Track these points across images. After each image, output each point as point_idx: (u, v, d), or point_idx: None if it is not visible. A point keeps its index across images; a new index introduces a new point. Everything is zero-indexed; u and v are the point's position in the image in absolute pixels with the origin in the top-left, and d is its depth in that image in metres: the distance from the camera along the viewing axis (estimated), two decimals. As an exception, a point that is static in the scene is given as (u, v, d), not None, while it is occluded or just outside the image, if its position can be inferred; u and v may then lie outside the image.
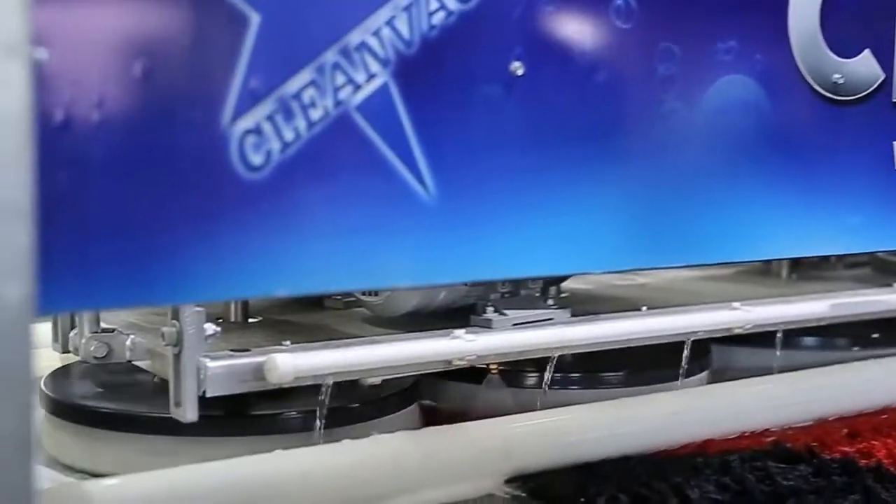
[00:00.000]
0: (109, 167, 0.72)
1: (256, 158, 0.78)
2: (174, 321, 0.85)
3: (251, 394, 0.89)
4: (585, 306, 1.13)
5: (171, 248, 0.75)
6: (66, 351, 1.09)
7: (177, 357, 0.85)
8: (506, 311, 1.03)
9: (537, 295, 1.09)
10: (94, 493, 0.79)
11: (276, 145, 0.79)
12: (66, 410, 0.97)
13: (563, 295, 1.13)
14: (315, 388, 0.90)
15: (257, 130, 0.78)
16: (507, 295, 1.07)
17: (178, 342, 0.85)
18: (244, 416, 0.95)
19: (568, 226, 0.93)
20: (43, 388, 1.02)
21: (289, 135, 0.79)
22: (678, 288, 1.32)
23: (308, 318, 1.07)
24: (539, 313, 1.06)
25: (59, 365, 1.11)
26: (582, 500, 0.89)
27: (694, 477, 0.94)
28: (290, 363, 0.86)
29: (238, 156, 0.77)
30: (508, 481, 0.93)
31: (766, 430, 1.11)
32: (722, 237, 1.04)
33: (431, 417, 1.07)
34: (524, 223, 0.91)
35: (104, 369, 1.04)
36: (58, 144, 0.70)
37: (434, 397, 1.10)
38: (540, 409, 1.02)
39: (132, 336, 0.97)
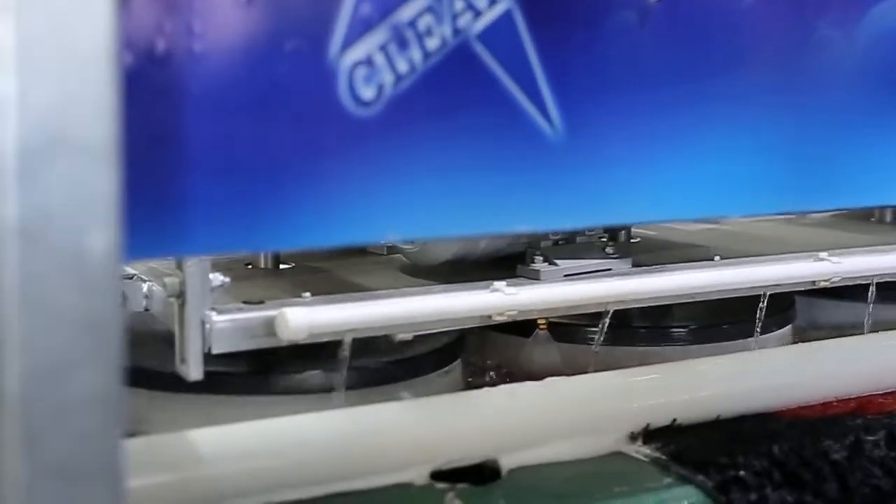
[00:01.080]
0: (205, 103, 0.67)
1: (367, 92, 0.72)
2: (177, 270, 0.78)
3: (289, 348, 0.81)
4: (650, 255, 1.03)
5: (271, 189, 0.69)
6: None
7: (181, 309, 0.78)
8: (557, 261, 0.94)
9: (597, 242, 0.99)
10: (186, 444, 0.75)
11: (388, 78, 0.72)
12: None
13: (632, 241, 1.03)
14: (363, 343, 0.82)
15: (368, 62, 0.72)
16: (561, 243, 0.97)
17: (180, 293, 0.78)
18: (268, 374, 0.88)
19: (707, 166, 0.86)
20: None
21: (403, 66, 0.73)
22: (758, 234, 1.20)
23: (343, 266, 1.00)
24: (595, 263, 0.96)
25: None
26: (732, 472, 0.79)
27: (856, 452, 0.83)
28: (304, 318, 0.78)
29: (347, 89, 0.71)
30: (646, 441, 0.84)
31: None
32: (877, 179, 0.95)
33: (476, 373, 0.99)
34: (658, 163, 0.83)
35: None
36: (148, 78, 0.65)
37: (479, 352, 1.01)
38: (603, 370, 0.92)
39: (149, 283, 0.91)
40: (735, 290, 0.98)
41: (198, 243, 0.70)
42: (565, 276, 0.93)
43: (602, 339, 0.93)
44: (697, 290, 0.95)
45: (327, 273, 0.97)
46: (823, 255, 1.03)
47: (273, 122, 0.69)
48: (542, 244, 0.95)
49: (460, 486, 0.76)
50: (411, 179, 0.73)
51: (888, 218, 1.37)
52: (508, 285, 0.87)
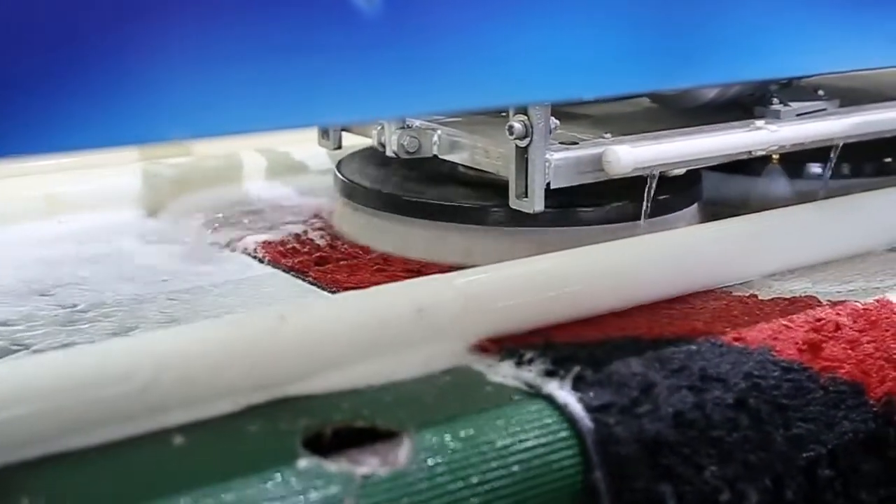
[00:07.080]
0: None
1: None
2: (521, 115, 0.86)
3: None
4: (844, 97, 1.13)
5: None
6: (337, 147, 1.11)
7: (522, 150, 0.87)
8: (789, 103, 1.04)
9: (808, 86, 1.09)
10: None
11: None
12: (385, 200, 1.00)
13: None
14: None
15: None
16: (779, 86, 1.07)
17: (526, 135, 0.86)
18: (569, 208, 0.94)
19: (553, 40, 0.69)
20: (353, 179, 1.03)
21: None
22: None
23: (592, 108, 1.08)
24: (813, 105, 1.06)
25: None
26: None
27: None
28: (630, 154, 0.87)
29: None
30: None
31: None
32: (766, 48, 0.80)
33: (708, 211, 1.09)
34: (495, 39, 0.67)
35: (383, 160, 1.04)
36: None
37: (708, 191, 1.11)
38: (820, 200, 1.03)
39: (438, 131, 0.99)
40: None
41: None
42: (798, 115, 1.03)
43: (831, 172, 1.05)
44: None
45: (583, 115, 1.05)
46: None
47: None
48: (772, 88, 1.05)
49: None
50: (197, 67, 0.57)
51: None
52: (767, 123, 0.98)
